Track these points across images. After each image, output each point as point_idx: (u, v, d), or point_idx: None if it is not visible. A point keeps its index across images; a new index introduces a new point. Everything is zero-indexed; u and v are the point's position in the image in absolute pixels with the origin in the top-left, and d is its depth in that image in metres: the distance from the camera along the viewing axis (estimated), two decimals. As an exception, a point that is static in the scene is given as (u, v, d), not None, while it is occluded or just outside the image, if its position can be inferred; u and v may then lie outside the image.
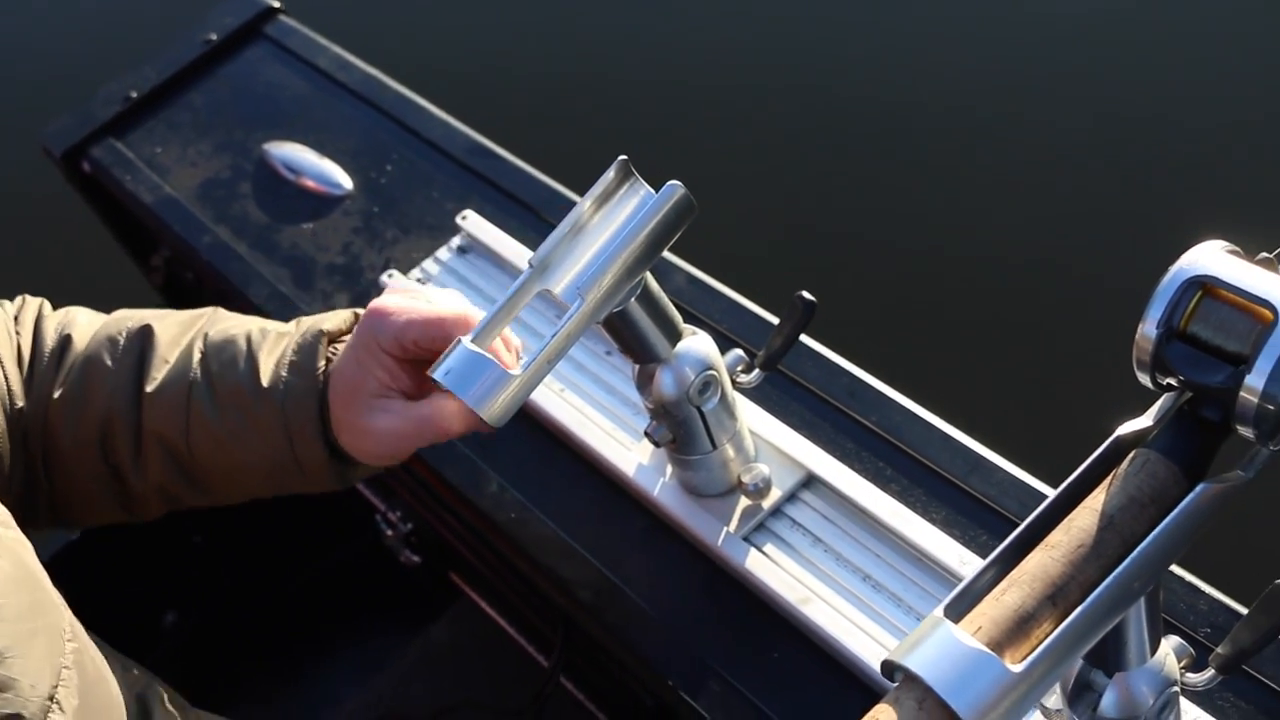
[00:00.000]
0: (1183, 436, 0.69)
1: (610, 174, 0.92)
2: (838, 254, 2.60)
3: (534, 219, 1.35)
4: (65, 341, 0.99)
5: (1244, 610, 0.90)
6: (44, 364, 0.98)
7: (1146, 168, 2.58)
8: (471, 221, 1.35)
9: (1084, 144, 2.66)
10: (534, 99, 3.06)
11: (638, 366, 0.99)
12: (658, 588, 1.05)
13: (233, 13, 1.72)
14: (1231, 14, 2.82)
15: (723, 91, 2.98)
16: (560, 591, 1.08)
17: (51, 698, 0.72)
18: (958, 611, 0.66)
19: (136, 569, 1.64)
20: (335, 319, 0.97)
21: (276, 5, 1.71)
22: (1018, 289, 2.42)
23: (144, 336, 0.97)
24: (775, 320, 1.09)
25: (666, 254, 1.19)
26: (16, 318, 1.01)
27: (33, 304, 1.03)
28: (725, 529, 1.04)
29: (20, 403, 0.95)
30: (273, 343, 0.95)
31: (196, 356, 0.96)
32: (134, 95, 1.65)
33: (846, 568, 1.01)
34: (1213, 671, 0.79)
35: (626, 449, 1.12)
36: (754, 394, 1.12)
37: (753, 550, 1.03)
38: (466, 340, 0.88)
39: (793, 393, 1.12)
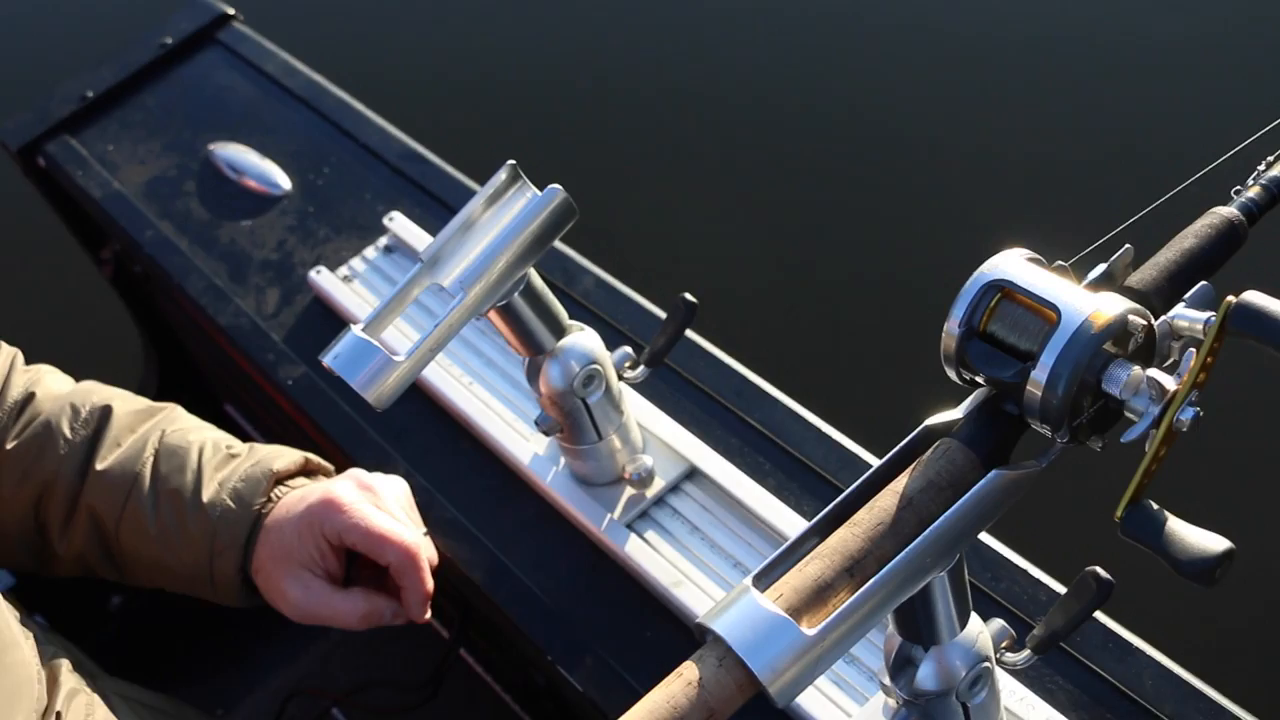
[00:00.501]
0: (983, 427, 0.75)
1: (500, 176, 0.99)
2: (735, 261, 2.77)
3: (459, 222, 1.41)
4: (29, 398, 1.05)
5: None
6: (4, 411, 1.04)
7: (973, 184, 2.78)
8: (398, 223, 1.41)
9: (920, 159, 2.88)
10: (467, 107, 3.24)
11: (528, 359, 1.05)
12: (545, 570, 1.11)
13: (189, 18, 1.78)
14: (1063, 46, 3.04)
15: (637, 101, 3.18)
16: (457, 572, 1.14)
17: None
18: (765, 581, 0.72)
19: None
20: (286, 459, 1.04)
21: (230, 13, 1.78)
22: (888, 298, 2.53)
23: (104, 415, 1.04)
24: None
25: (575, 255, 1.26)
26: None
27: (8, 352, 1.09)
28: (610, 516, 1.10)
29: None
30: (221, 462, 1.03)
31: (149, 451, 1.03)
32: (90, 94, 1.71)
33: (719, 554, 1.07)
34: (1029, 651, 0.84)
35: (525, 439, 1.18)
36: (647, 390, 1.17)
37: (633, 536, 1.09)
38: (355, 328, 0.94)
39: (684, 390, 1.18)
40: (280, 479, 1.04)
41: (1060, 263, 0.74)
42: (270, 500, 1.02)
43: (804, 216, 2.83)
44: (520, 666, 1.23)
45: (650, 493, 1.11)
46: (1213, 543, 0.69)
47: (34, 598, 1.29)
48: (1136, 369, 0.69)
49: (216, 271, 1.46)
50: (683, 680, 0.68)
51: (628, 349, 1.09)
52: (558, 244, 1.28)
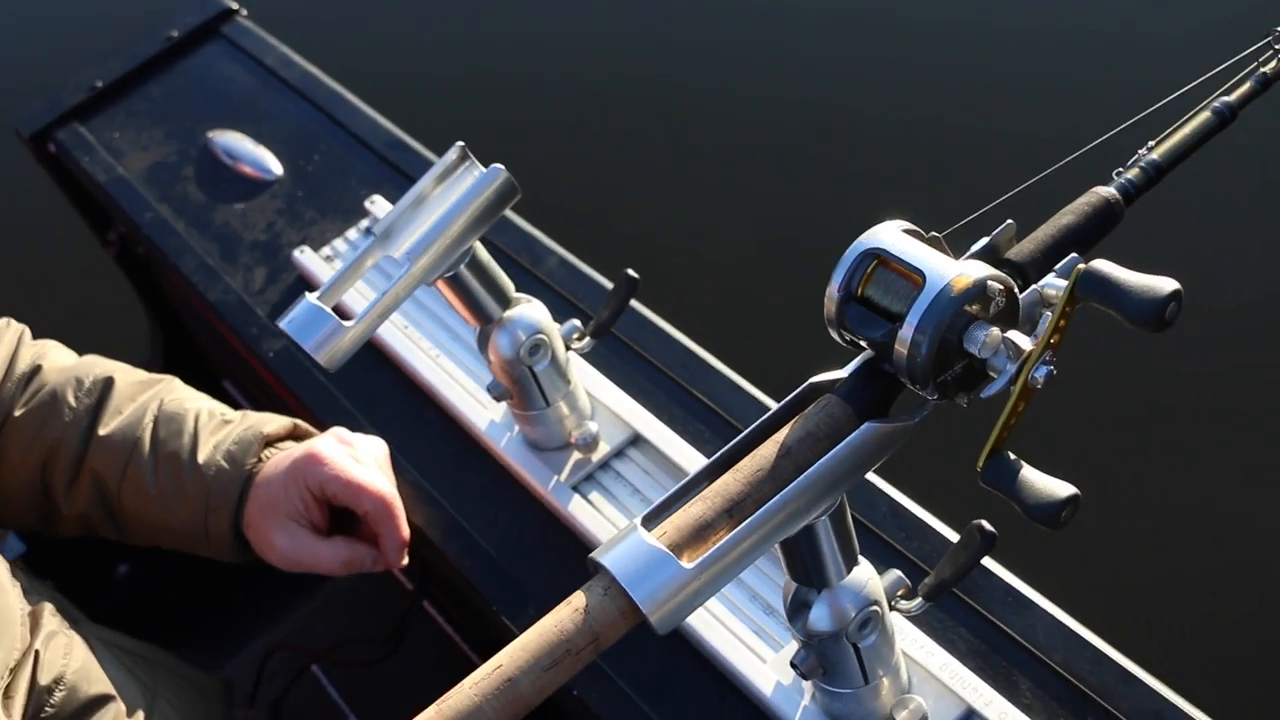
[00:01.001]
0: (861, 384, 0.81)
1: (450, 155, 1.06)
2: (687, 236, 2.94)
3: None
4: (36, 370, 1.14)
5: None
6: (12, 381, 1.13)
7: (874, 160, 3.01)
8: (378, 206, 1.49)
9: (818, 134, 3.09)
10: (451, 98, 3.44)
11: (479, 328, 1.13)
12: (497, 529, 1.18)
13: (195, 12, 1.87)
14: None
15: (600, 90, 3.40)
16: (417, 532, 1.21)
17: None
18: (654, 521, 0.78)
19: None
20: (276, 423, 1.13)
21: (234, 7, 1.86)
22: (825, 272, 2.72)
23: (107, 385, 1.13)
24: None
25: (539, 234, 1.33)
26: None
27: (16, 328, 1.18)
28: (556, 478, 1.17)
29: None
30: (216, 427, 1.11)
31: (149, 417, 1.11)
32: (99, 84, 1.79)
33: (656, 515, 1.13)
34: (920, 599, 0.91)
35: (483, 407, 1.25)
36: (598, 361, 1.25)
37: (578, 498, 1.15)
38: (310, 296, 1.02)
39: (633, 361, 1.25)
40: (270, 441, 1.11)
41: (934, 234, 0.81)
42: (260, 460, 1.09)
43: (760, 192, 3.01)
44: (477, 621, 1.30)
45: (595, 457, 1.18)
46: (1059, 489, 0.75)
47: (44, 566, 1.37)
48: (995, 330, 0.75)
49: (209, 251, 1.54)
50: (571, 608, 0.75)
51: (575, 321, 1.16)
52: (522, 222, 1.36)
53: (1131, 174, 0.88)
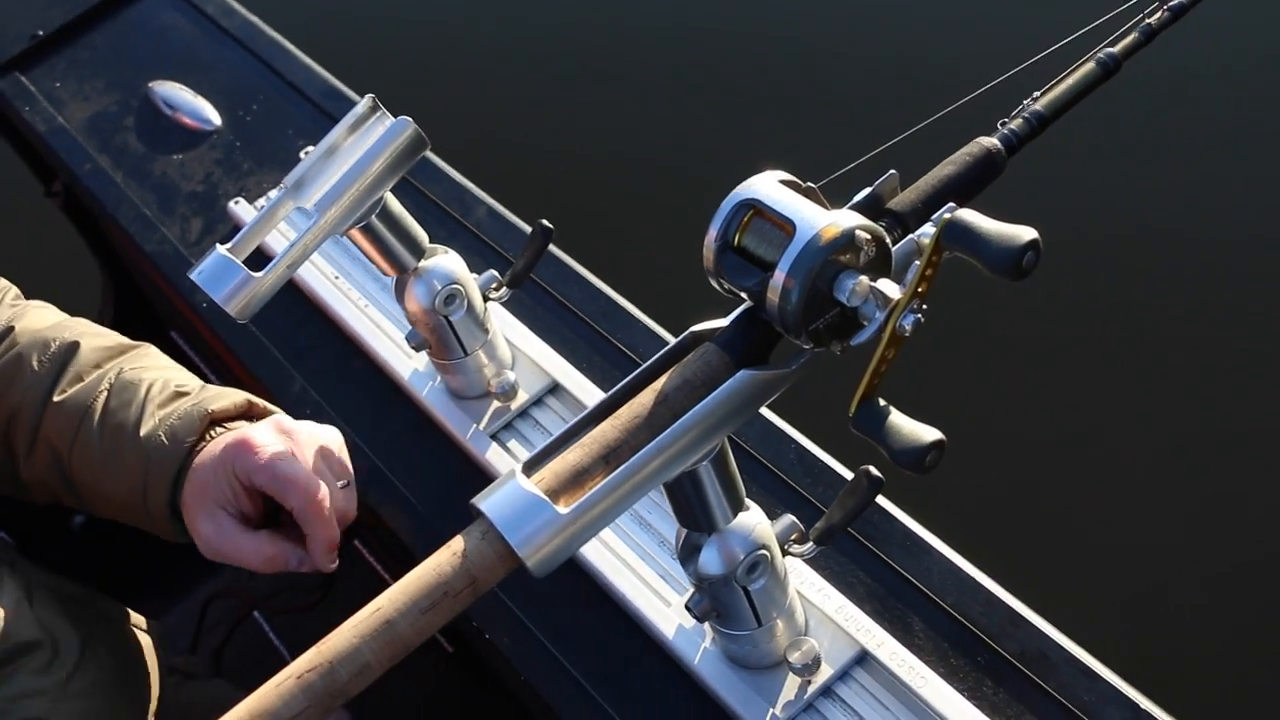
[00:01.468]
0: (739, 333, 0.82)
1: (361, 107, 1.07)
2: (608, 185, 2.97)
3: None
4: (7, 331, 1.10)
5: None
6: None
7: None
8: (312, 156, 1.49)
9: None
10: (391, 49, 3.44)
11: (395, 278, 1.14)
12: (418, 476, 1.20)
13: (138, -41, 1.86)
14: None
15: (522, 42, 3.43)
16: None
17: None
18: (534, 468, 0.80)
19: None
20: (226, 400, 1.05)
21: (176, -46, 1.85)
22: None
23: (70, 350, 1.08)
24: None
25: (468, 184, 1.34)
26: None
27: (1, 286, 1.16)
28: (475, 426, 1.19)
29: None
30: (166, 399, 1.05)
31: (104, 385, 1.06)
32: (40, 33, 1.79)
33: (570, 461, 1.15)
34: (811, 543, 0.93)
35: (408, 356, 1.26)
36: (520, 309, 1.26)
37: (495, 445, 1.17)
38: (221, 248, 1.03)
39: (555, 310, 1.27)
40: (217, 420, 1.04)
41: (810, 185, 0.82)
42: (203, 440, 1.02)
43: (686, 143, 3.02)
44: (405, 562, 1.32)
45: (514, 405, 1.19)
46: (925, 434, 0.77)
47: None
48: (864, 279, 0.77)
49: (146, 202, 1.55)
50: (449, 551, 0.77)
51: (493, 271, 1.17)
52: (452, 171, 1.37)
53: (1015, 124, 0.89)
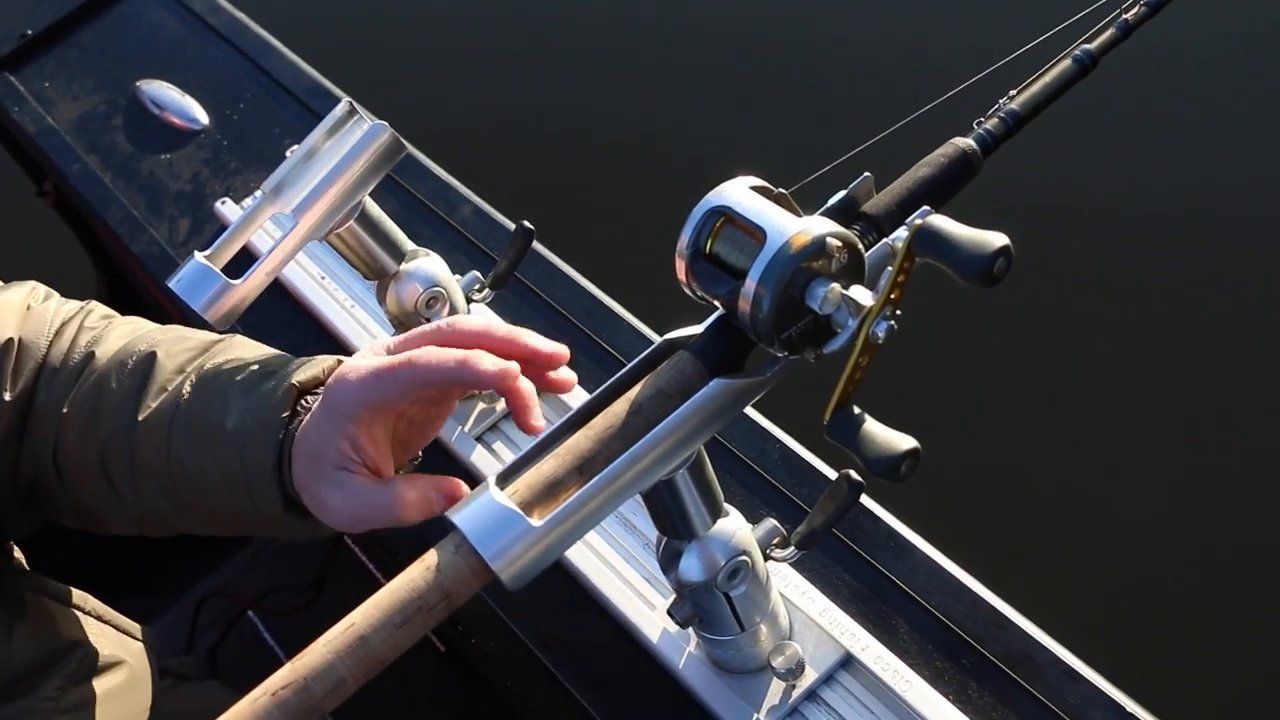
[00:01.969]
0: (713, 341, 0.82)
1: (338, 111, 1.06)
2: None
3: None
4: (87, 359, 0.98)
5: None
6: (66, 374, 0.97)
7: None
8: (298, 155, 1.49)
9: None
10: (377, 46, 3.39)
11: (376, 282, 1.13)
12: (403, 479, 1.20)
13: (125, -43, 1.85)
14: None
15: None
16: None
17: None
18: (507, 480, 0.80)
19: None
20: (314, 368, 0.88)
21: (163, -49, 1.85)
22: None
23: (148, 362, 0.94)
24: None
25: (454, 182, 1.34)
26: (64, 322, 1.02)
27: (70, 309, 1.04)
28: (461, 428, 1.18)
29: (7, 396, 0.97)
30: (249, 384, 0.89)
31: (187, 388, 0.91)
32: (29, 33, 1.79)
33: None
34: (793, 548, 0.92)
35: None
36: (504, 308, 1.25)
37: (480, 447, 1.17)
38: (199, 255, 1.03)
39: (541, 310, 1.26)
40: (306, 389, 0.87)
41: (781, 190, 0.81)
42: (296, 414, 0.86)
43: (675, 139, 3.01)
44: (393, 562, 1.32)
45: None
46: (900, 443, 0.77)
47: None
48: (835, 286, 0.76)
49: (134, 203, 1.54)
50: (423, 565, 0.77)
51: (476, 273, 1.17)
52: (439, 170, 1.36)
53: (991, 124, 0.88)
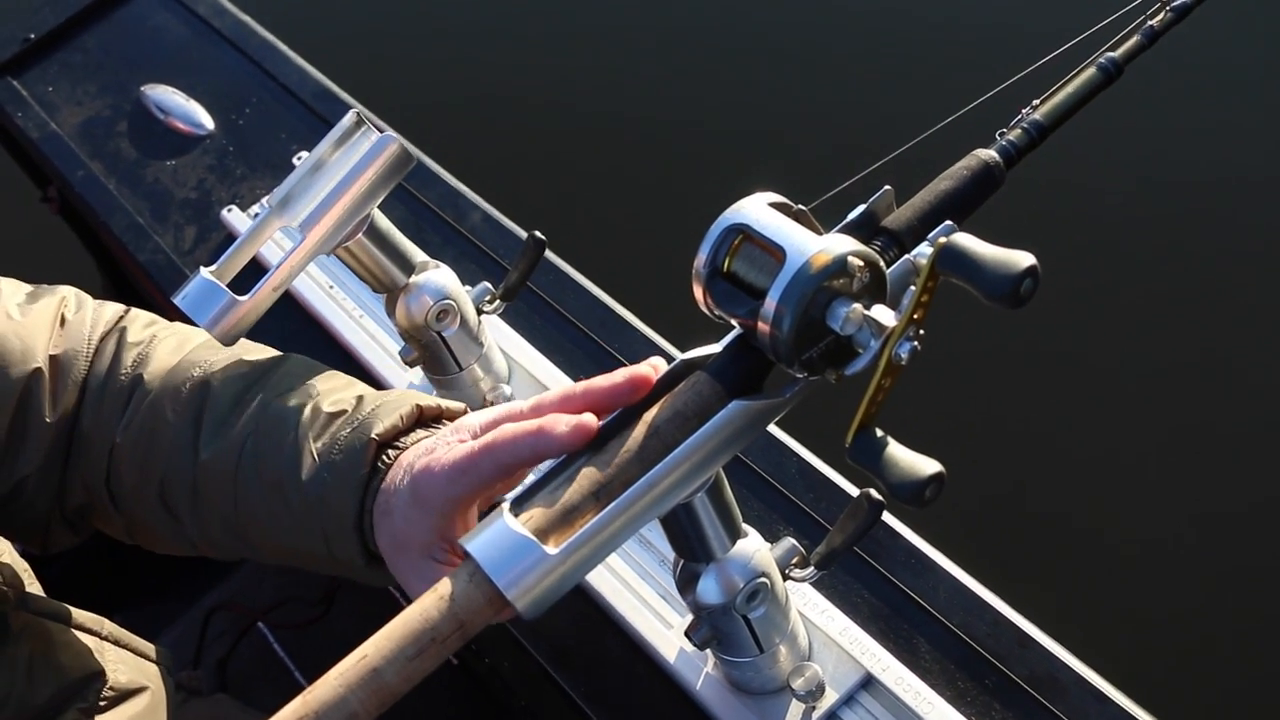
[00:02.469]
0: (732, 361, 0.80)
1: (345, 122, 1.04)
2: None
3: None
4: (136, 381, 0.95)
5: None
6: (113, 398, 0.95)
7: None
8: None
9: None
10: (385, 50, 3.36)
11: (386, 295, 1.11)
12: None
13: (128, -40, 1.83)
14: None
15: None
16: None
17: None
18: (521, 506, 0.78)
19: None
20: (390, 417, 0.85)
21: (167, -46, 1.83)
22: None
23: (202, 392, 0.91)
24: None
25: (463, 189, 1.32)
26: (104, 335, 1.00)
27: (110, 315, 1.02)
28: (471, 441, 1.16)
29: (48, 418, 0.94)
30: (320, 428, 0.86)
31: (249, 429, 0.89)
32: (32, 37, 1.77)
33: (568, 477, 1.13)
34: (812, 568, 0.90)
35: (403, 370, 1.24)
36: (516, 318, 1.24)
37: (491, 461, 1.15)
38: (205, 271, 1.01)
39: (554, 321, 1.25)
40: (384, 443, 0.84)
41: (800, 207, 0.79)
42: (376, 470, 0.83)
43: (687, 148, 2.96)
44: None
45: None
46: (924, 467, 0.75)
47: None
48: (857, 306, 0.74)
49: (139, 210, 1.53)
50: (436, 595, 0.75)
51: (487, 284, 1.15)
52: (449, 177, 1.34)
53: (1014, 135, 0.86)
